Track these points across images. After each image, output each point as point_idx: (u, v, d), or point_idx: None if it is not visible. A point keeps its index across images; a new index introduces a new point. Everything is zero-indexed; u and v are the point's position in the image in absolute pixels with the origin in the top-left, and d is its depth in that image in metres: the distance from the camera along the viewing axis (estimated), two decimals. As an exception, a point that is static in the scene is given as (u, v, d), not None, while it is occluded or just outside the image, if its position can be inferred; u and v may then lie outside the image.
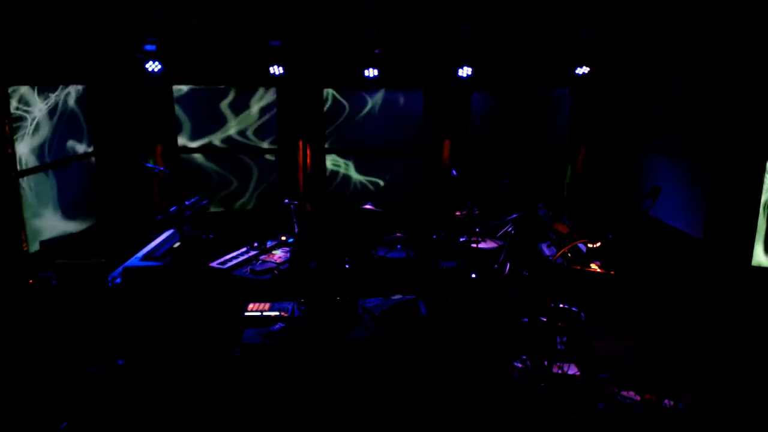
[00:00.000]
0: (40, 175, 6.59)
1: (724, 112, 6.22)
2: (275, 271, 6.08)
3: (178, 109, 8.22)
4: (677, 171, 7.14)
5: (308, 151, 8.29)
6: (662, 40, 7.08)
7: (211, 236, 6.91)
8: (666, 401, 4.33)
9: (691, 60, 6.75)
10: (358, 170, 8.72)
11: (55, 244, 6.65)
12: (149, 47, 7.33)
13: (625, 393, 4.48)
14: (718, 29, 6.17)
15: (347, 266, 6.21)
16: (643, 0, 6.92)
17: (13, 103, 6.16)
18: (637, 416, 4.26)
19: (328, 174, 8.61)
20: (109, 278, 5.72)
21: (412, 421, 4.30)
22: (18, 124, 6.22)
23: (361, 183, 8.71)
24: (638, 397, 4.40)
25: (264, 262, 6.36)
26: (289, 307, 5.04)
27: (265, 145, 8.49)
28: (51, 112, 6.79)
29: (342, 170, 8.68)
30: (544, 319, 4.98)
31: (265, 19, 7.31)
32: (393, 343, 4.57)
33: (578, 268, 5.25)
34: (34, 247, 6.41)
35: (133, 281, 5.43)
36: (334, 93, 8.41)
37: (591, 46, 7.65)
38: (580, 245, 5.66)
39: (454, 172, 7.31)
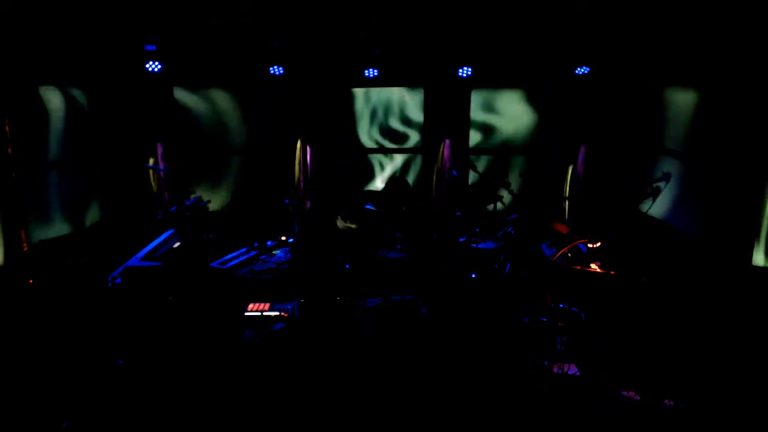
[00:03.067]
0: (41, 175, 6.59)
1: (725, 111, 6.22)
2: (275, 271, 6.09)
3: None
4: (677, 171, 7.14)
5: (308, 151, 8.30)
6: (662, 39, 7.08)
7: (211, 236, 6.91)
8: (666, 401, 4.33)
9: (691, 59, 6.75)
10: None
11: (55, 244, 6.65)
12: (149, 47, 7.34)
13: (625, 393, 4.48)
14: (718, 28, 6.16)
15: (347, 266, 6.21)
16: (643, 0, 6.92)
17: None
18: (637, 416, 4.26)
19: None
20: (109, 278, 5.73)
21: (412, 420, 4.29)
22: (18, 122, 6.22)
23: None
24: (638, 397, 4.40)
25: (264, 262, 6.37)
26: (289, 307, 5.05)
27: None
28: (51, 111, 6.79)
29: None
30: (544, 319, 4.98)
31: (265, 18, 7.31)
32: (393, 343, 4.57)
33: (578, 268, 5.26)
34: (35, 246, 6.41)
35: (133, 281, 5.43)
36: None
37: (591, 46, 7.65)
38: (580, 245, 5.66)
39: (455, 172, 7.32)
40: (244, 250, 6.66)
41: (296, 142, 8.24)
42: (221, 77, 8.07)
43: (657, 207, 7.29)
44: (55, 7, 6.39)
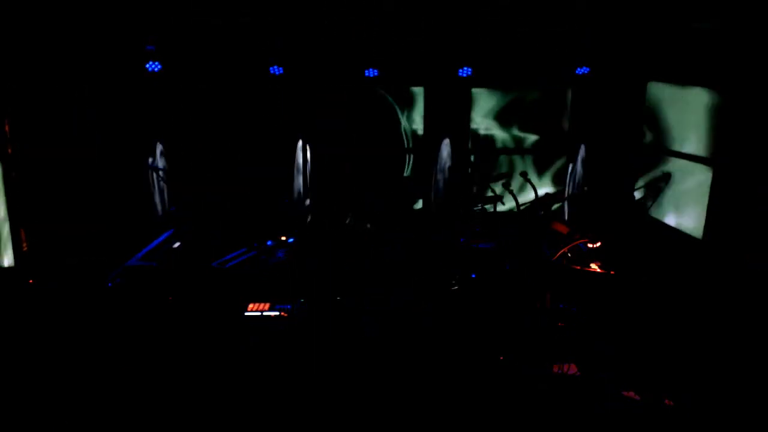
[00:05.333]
0: (41, 174, 6.59)
1: (725, 111, 6.22)
2: (275, 272, 6.09)
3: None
4: (677, 170, 7.14)
5: (308, 151, 8.29)
6: (663, 39, 7.08)
7: (211, 236, 6.92)
8: (666, 401, 4.33)
9: (691, 59, 6.75)
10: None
11: (55, 244, 6.65)
12: (149, 47, 7.34)
13: (625, 393, 4.48)
14: (719, 27, 6.16)
15: (348, 266, 6.21)
16: (643, 0, 6.92)
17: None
18: (637, 416, 4.26)
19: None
20: (109, 278, 5.73)
21: (412, 420, 4.29)
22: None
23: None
24: (638, 397, 4.41)
25: (264, 262, 6.37)
26: (289, 307, 5.05)
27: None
28: (53, 111, 6.79)
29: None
30: (545, 319, 4.98)
31: (265, 18, 7.31)
32: (393, 343, 4.57)
33: (578, 268, 5.26)
34: (34, 246, 6.41)
35: (133, 281, 5.43)
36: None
37: (591, 46, 7.65)
38: (580, 245, 5.66)
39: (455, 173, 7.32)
40: (244, 250, 6.66)
41: (296, 142, 8.24)
42: (221, 77, 8.06)
43: (657, 207, 7.30)
44: (56, 7, 6.39)
